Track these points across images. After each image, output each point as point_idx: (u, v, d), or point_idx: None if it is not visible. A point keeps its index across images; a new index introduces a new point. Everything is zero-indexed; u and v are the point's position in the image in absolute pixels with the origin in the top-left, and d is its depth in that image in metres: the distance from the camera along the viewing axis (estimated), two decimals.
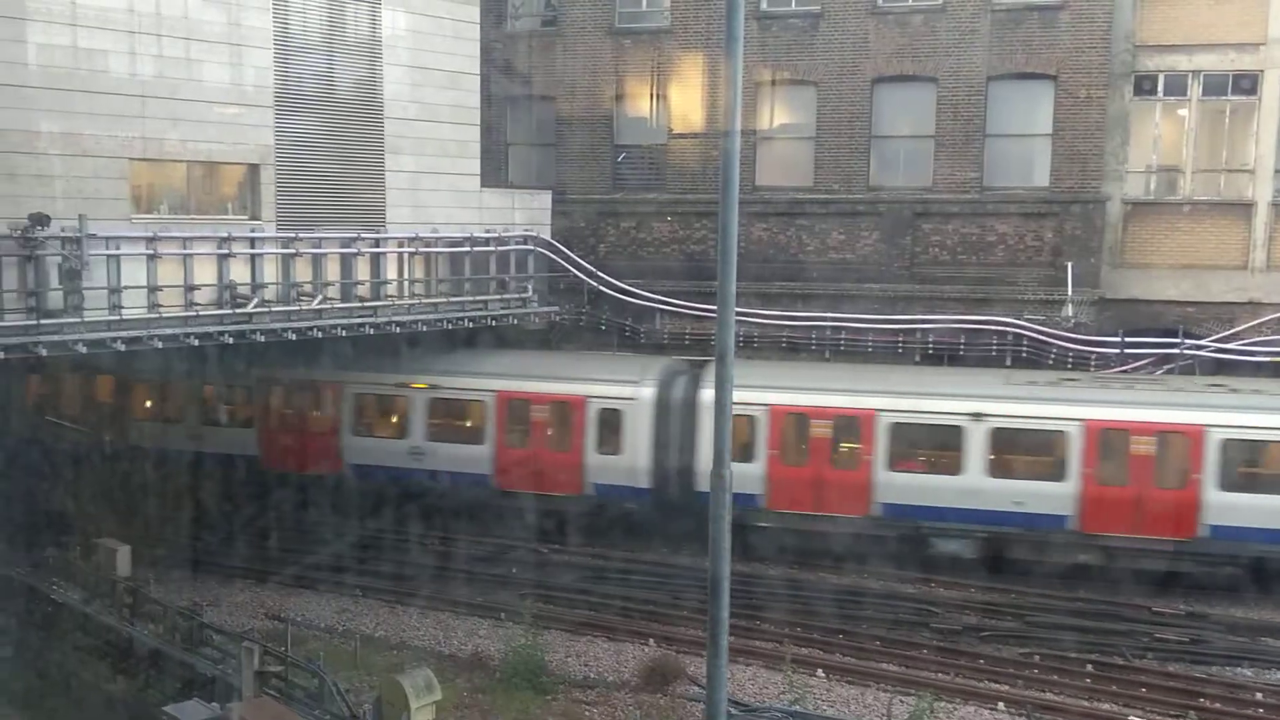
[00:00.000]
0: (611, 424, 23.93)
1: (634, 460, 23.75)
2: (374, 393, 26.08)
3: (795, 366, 25.23)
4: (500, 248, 26.07)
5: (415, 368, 25.53)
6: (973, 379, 23.46)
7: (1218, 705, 17.51)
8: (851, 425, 22.55)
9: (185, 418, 27.86)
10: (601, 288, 27.62)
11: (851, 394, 22.68)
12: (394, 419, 26.06)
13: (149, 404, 28.68)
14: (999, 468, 21.81)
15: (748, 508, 22.19)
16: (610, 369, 24.85)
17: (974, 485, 21.72)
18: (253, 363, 25.44)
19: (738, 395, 22.06)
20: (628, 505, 23.92)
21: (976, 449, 21.70)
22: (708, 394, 22.39)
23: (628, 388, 23.92)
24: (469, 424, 25.30)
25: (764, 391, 22.58)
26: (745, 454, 22.43)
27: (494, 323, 25.91)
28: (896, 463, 22.28)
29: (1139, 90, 25.41)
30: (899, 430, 22.28)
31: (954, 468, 21.95)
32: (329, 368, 25.36)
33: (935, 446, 22.49)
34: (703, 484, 21.96)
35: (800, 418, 22.86)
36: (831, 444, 22.80)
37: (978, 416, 21.65)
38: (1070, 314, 24.99)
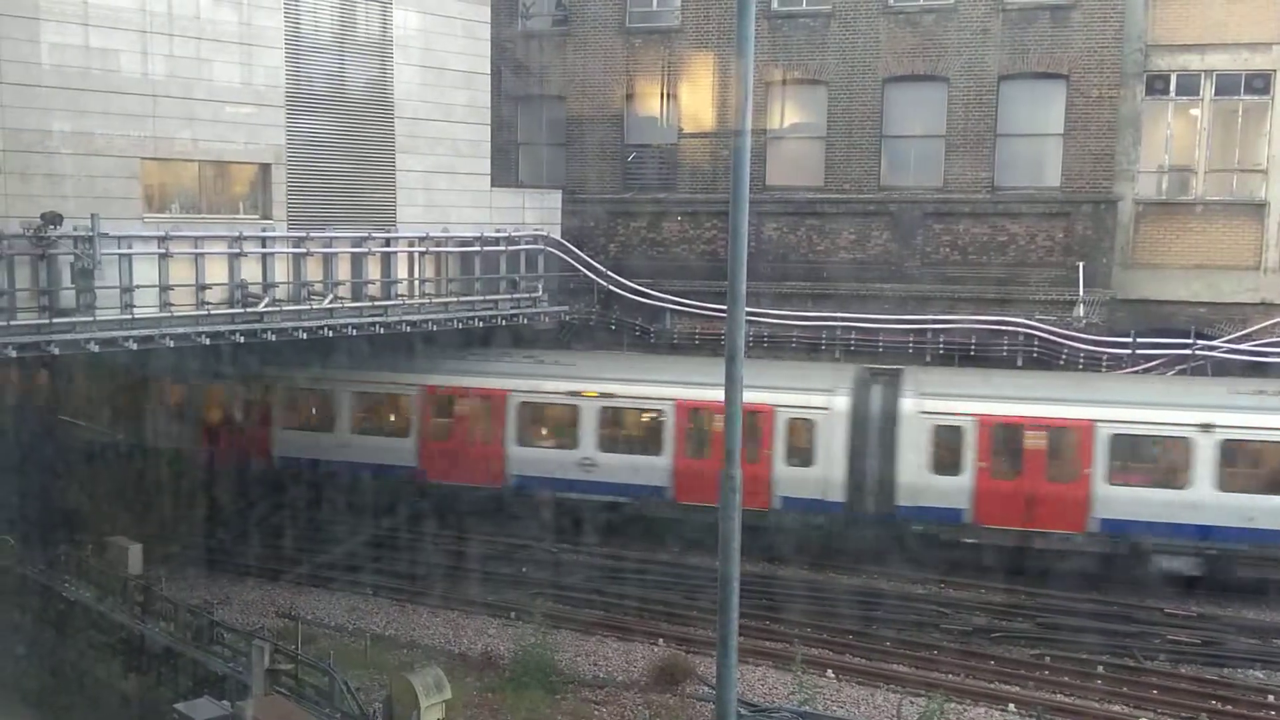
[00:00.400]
0: (802, 435, 22.86)
1: (827, 473, 22.59)
2: (540, 401, 24.59)
3: (1002, 375, 24.13)
4: (511, 247, 26.09)
5: (585, 373, 24.39)
6: (1196, 388, 22.49)
7: (1229, 707, 17.43)
8: (1068, 437, 21.53)
9: (338, 427, 26.28)
10: (612, 287, 27.63)
11: (1067, 404, 21.62)
12: (560, 429, 24.78)
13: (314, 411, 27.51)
14: (1229, 481, 20.72)
15: (954, 523, 21.77)
16: (799, 377, 23.64)
17: (1201, 499, 20.70)
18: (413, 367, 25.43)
19: (945, 406, 21.88)
20: (818, 520, 22.81)
21: (1205, 462, 20.65)
22: (909, 403, 22.05)
23: (820, 396, 22.74)
24: (647, 434, 24.09)
25: (972, 401, 21.86)
26: (952, 467, 21.75)
27: (504, 322, 25.93)
28: (1116, 476, 21.19)
29: (1151, 90, 25.32)
30: (1119, 442, 21.20)
31: (1180, 481, 20.94)
32: (494, 373, 24.95)
33: (1159, 459, 21.53)
34: (904, 498, 21.98)
35: (1012, 429, 21.69)
36: (1046, 456, 21.63)
37: (1207, 428, 20.61)
38: (1081, 314, 24.91)
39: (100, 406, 30.55)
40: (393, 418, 26.20)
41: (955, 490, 21.77)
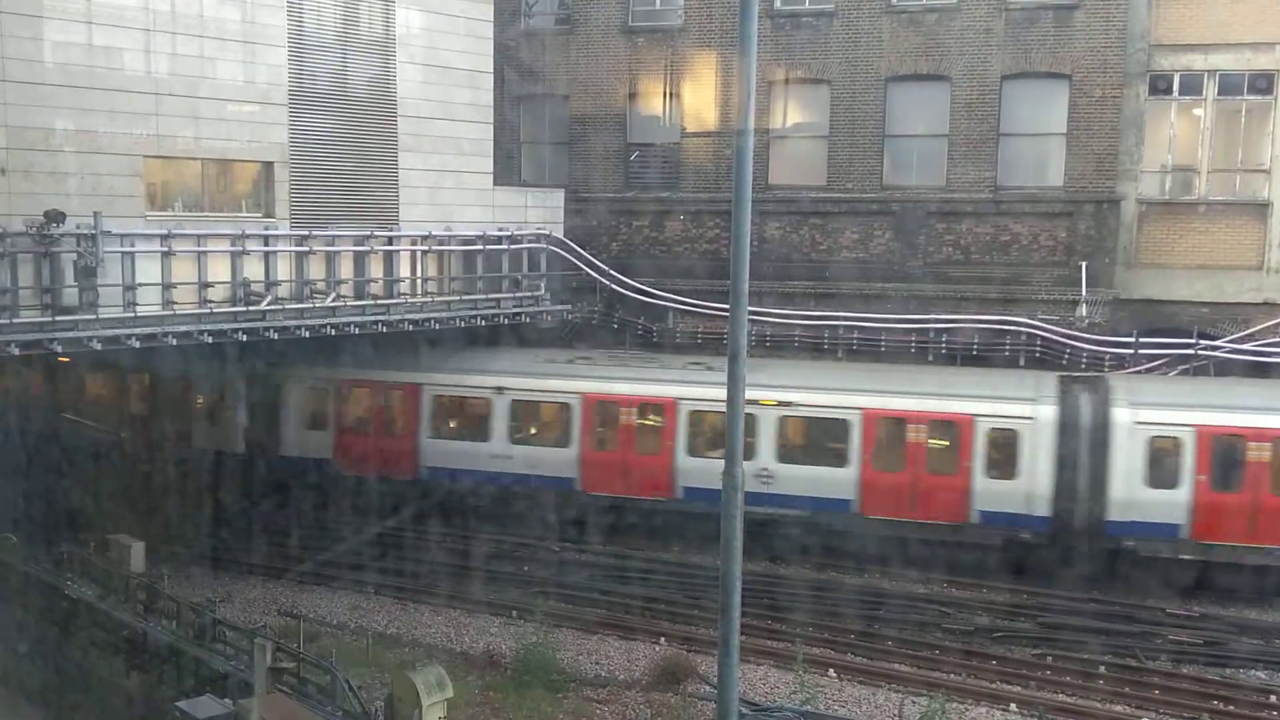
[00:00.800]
0: (1004, 446, 21.99)
1: (1031, 486, 21.69)
2: (715, 410, 22.58)
3: (1215, 383, 23.47)
4: (513, 246, 26.09)
5: (762, 380, 22.22)
6: None
7: (1231, 708, 17.41)
8: None
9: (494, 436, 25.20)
10: (614, 286, 27.61)
11: None
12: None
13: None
14: None
15: (1167, 538, 21.08)
16: (998, 385, 22.81)
17: None
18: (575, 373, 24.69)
19: (1162, 416, 21.30)
20: (1021, 535, 21.87)
21: None
22: (1123, 414, 21.31)
23: (1024, 406, 21.90)
24: (830, 444, 23.04)
25: (1190, 411, 21.14)
26: (1168, 479, 21.08)
27: (507, 321, 25.94)
28: None
29: (1154, 90, 25.30)
30: None
31: None
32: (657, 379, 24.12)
33: None
34: (1116, 512, 21.27)
35: (1234, 440, 20.92)
36: (1275, 470, 20.92)
37: None
38: (1084, 314, 24.89)
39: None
40: (552, 426, 25.06)
41: (1173, 505, 21.00)
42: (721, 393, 21.03)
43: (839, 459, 22.75)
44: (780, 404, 22.79)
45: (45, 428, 30.43)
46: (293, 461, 26.49)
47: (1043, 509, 21.67)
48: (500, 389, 24.66)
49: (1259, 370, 23.65)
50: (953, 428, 22.01)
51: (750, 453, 22.32)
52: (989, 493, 21.91)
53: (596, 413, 24.17)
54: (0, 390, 29.09)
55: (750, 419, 22.16)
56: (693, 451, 23.45)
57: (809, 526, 22.89)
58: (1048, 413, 21.75)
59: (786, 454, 22.99)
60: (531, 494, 24.50)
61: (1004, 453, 21.97)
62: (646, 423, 24.00)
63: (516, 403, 24.77)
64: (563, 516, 24.19)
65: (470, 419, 25.45)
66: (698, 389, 23.36)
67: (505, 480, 24.66)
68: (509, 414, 24.77)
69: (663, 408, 23.72)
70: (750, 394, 22.34)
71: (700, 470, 22.66)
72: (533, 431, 25.20)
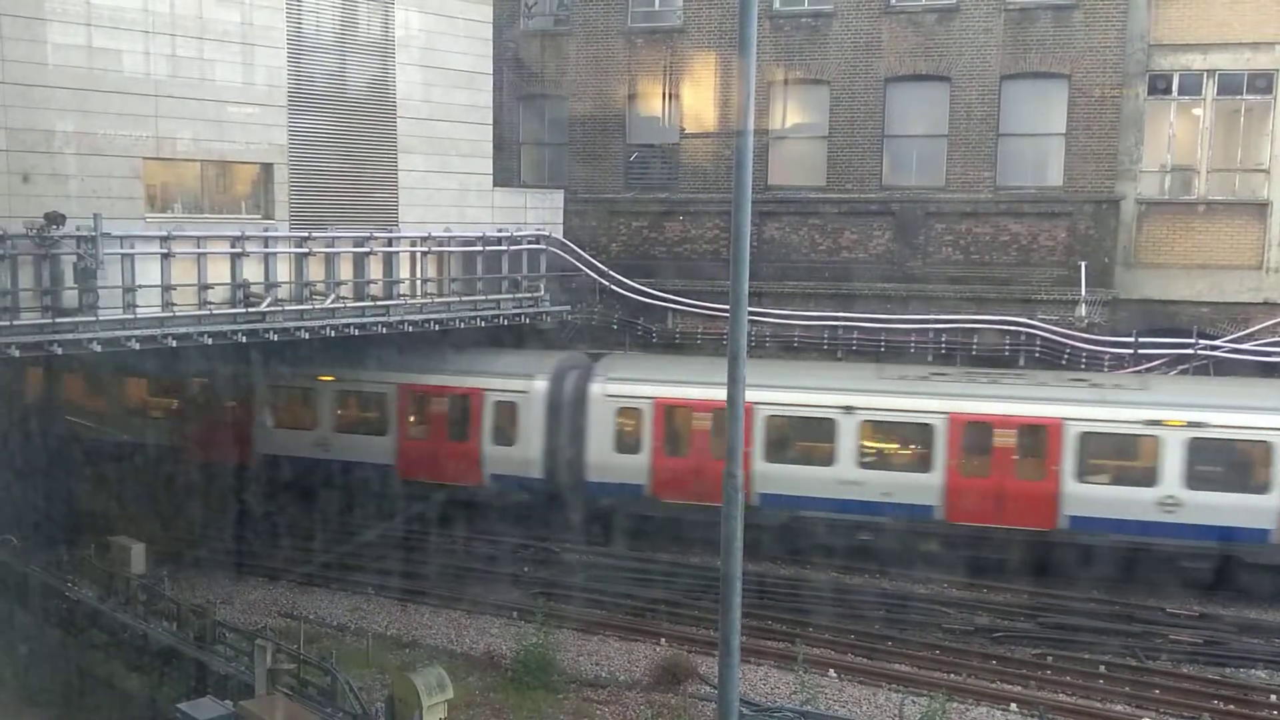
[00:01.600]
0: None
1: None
2: (1111, 432, 21.59)
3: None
4: (513, 247, 26.08)
5: (1165, 399, 21.39)
6: None
7: (1231, 707, 17.43)
8: None
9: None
10: (614, 287, 27.62)
11: None
12: (1133, 463, 21.72)
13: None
14: None
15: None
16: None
17: None
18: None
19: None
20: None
21: None
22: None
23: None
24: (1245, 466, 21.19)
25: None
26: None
27: (506, 322, 25.94)
28: None
29: (1153, 89, 25.31)
30: None
31: None
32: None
33: None
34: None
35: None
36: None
37: None
38: (1083, 314, 24.90)
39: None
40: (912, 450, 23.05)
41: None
42: (1116, 413, 21.22)
43: (1261, 483, 20.78)
44: (1190, 425, 20.79)
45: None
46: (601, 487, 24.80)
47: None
48: (849, 408, 22.78)
49: (1261, 370, 23.64)
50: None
51: (1152, 478, 21.01)
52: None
53: (965, 435, 22.11)
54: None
55: (1152, 441, 21.04)
56: (1081, 477, 21.54)
57: (1225, 559, 20.98)
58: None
59: (1196, 480, 20.91)
60: (881, 525, 22.55)
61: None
62: (1025, 445, 22.00)
63: (867, 423, 22.71)
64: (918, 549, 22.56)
65: (812, 441, 23.43)
66: (1087, 409, 21.49)
67: (852, 509, 22.69)
68: (857, 435, 22.65)
69: (1045, 430, 21.70)
70: (1150, 414, 20.96)
71: (1092, 498, 21.27)
72: (884, 455, 23.20)
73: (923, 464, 22.38)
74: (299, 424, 27.05)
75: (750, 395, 21.52)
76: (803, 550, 23.11)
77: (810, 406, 22.89)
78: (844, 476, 22.59)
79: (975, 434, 22.04)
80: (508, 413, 24.92)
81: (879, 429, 22.89)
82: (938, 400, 22.22)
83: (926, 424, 22.24)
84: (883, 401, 22.57)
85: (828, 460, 22.77)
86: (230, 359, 24.51)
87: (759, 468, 22.77)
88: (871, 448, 22.85)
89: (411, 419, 26.04)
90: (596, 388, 24.32)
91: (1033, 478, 21.78)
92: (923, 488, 22.20)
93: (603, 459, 24.18)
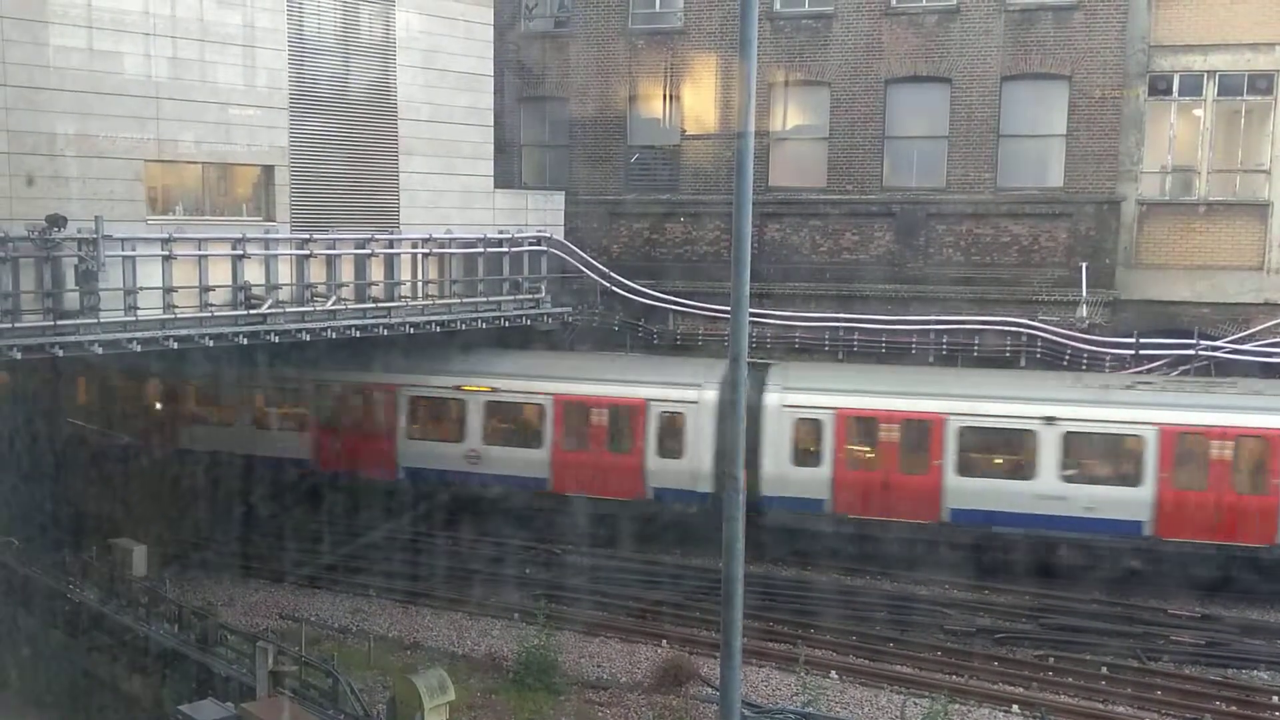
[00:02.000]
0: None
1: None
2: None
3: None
4: (513, 249, 26.11)
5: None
6: None
7: (1233, 708, 17.43)
8: None
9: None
10: (614, 288, 27.63)
11: None
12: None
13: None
14: None
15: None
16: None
17: None
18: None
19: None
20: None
21: None
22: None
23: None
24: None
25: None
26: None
27: (507, 323, 25.95)
28: None
29: (1154, 90, 25.31)
30: None
31: None
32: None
33: None
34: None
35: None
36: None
37: None
38: (1084, 315, 24.91)
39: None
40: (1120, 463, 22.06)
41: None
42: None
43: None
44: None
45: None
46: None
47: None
48: (1051, 419, 21.85)
49: (1262, 371, 23.63)
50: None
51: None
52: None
53: (1178, 447, 21.19)
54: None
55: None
56: None
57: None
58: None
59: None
60: (1084, 541, 21.78)
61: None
62: (1241, 457, 21.10)
63: (1070, 435, 21.80)
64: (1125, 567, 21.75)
65: (1009, 454, 22.71)
66: None
67: (1053, 524, 21.80)
68: (1060, 448, 21.79)
69: (1267, 442, 20.80)
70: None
71: None
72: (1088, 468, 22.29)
73: (1132, 477, 21.45)
74: (445, 436, 25.91)
75: (940, 406, 22.62)
76: (994, 569, 22.22)
77: (1008, 417, 22.10)
78: (1044, 491, 21.67)
79: (1188, 446, 21.12)
80: (674, 424, 24.07)
81: (1083, 441, 21.96)
82: (1148, 410, 21.33)
83: (1136, 435, 21.35)
84: (1088, 412, 21.70)
85: (1027, 474, 21.99)
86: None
87: (950, 482, 22.20)
88: (1075, 460, 21.93)
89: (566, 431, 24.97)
90: (773, 398, 23.32)
91: (1255, 492, 20.77)
92: (1132, 502, 21.30)
93: (779, 472, 23.23)
